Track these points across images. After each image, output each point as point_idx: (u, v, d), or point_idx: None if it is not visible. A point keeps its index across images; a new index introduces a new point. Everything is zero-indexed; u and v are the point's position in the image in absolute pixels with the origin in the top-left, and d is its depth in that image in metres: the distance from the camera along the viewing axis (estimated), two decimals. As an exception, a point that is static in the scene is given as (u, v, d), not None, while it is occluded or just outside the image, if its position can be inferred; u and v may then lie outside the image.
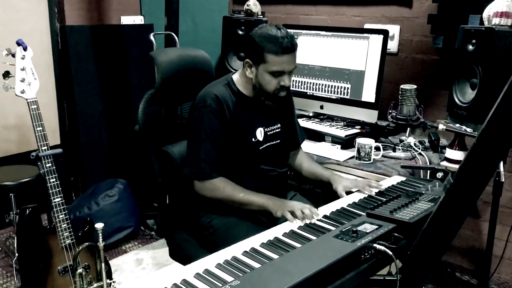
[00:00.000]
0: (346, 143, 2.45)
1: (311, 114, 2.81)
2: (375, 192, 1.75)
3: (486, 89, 2.04)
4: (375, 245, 1.30)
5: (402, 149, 2.39)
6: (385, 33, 2.49)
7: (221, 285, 1.14)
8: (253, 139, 1.84)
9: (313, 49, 2.78)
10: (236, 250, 1.33)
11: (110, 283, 1.81)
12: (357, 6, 3.03)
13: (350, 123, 2.64)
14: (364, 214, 1.52)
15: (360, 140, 2.28)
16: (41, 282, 2.06)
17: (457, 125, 2.16)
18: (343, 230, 1.38)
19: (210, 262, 1.26)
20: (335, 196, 1.81)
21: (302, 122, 2.66)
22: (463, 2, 2.49)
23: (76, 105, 3.29)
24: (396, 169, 2.16)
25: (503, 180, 1.92)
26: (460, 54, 2.17)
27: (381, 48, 2.49)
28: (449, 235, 1.22)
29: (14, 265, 2.62)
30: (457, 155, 2.20)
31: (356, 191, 1.80)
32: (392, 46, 2.86)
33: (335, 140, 2.50)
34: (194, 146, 1.78)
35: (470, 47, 2.11)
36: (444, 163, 2.23)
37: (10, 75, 2.01)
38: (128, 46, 3.44)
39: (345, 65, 2.64)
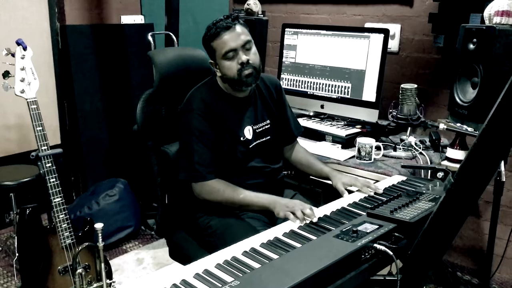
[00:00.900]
0: (347, 142, 2.45)
1: (311, 114, 2.81)
2: (374, 192, 1.75)
3: (487, 88, 2.03)
4: (375, 245, 1.29)
5: (403, 148, 2.39)
6: (385, 32, 2.48)
7: (220, 285, 1.13)
8: (241, 138, 1.84)
9: (313, 48, 2.77)
10: (236, 250, 1.33)
11: (110, 283, 1.81)
12: (357, 5, 3.02)
13: (350, 122, 2.63)
14: (364, 213, 1.51)
15: (360, 140, 2.28)
16: (42, 282, 2.06)
17: (458, 124, 2.15)
18: (344, 230, 1.38)
19: (209, 262, 1.26)
20: (336, 195, 1.81)
21: (303, 122, 2.66)
22: (464, 1, 2.49)
23: (76, 105, 3.29)
24: (396, 169, 2.15)
25: (504, 180, 1.91)
26: (461, 53, 2.16)
27: (382, 47, 2.48)
28: (450, 235, 1.21)
29: (14, 265, 2.63)
30: (458, 154, 2.19)
31: (356, 190, 1.80)
32: (393, 45, 2.85)
33: (335, 139, 2.49)
34: (187, 150, 1.78)
35: (471, 46, 2.10)
36: (445, 163, 2.23)
37: (10, 75, 2.01)
38: (128, 46, 3.44)
39: (346, 64, 2.64)
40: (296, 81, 2.86)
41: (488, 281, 2.14)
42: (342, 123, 2.65)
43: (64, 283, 2.11)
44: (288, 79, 2.90)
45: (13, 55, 2.00)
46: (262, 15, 3.18)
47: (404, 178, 1.91)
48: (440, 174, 1.80)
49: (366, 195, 1.74)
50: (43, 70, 3.13)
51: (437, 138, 2.38)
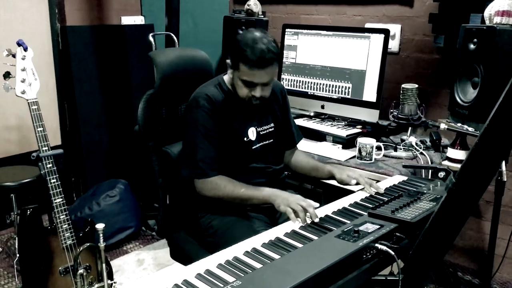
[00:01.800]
0: (347, 142, 2.45)
1: (312, 114, 2.81)
2: (376, 192, 1.75)
3: (488, 88, 2.03)
4: (377, 245, 1.29)
5: (404, 148, 2.39)
6: (386, 32, 2.48)
7: (222, 285, 1.13)
8: (245, 139, 1.84)
9: (314, 48, 2.78)
10: (237, 250, 1.32)
11: (111, 283, 1.81)
12: (358, 5, 3.02)
13: (351, 122, 2.63)
14: (365, 213, 1.51)
15: (361, 140, 2.28)
16: (42, 282, 2.06)
17: (459, 124, 2.15)
18: (345, 230, 1.37)
19: (211, 262, 1.26)
20: (337, 195, 1.81)
21: (303, 122, 2.66)
22: (464, 1, 2.49)
23: (77, 106, 3.29)
24: (397, 169, 2.15)
25: (505, 180, 1.91)
26: (462, 53, 2.16)
27: (382, 48, 2.48)
28: (451, 235, 1.21)
29: (15, 266, 2.62)
30: (459, 154, 2.19)
31: (357, 190, 1.80)
32: (393, 45, 2.85)
33: (336, 140, 2.49)
34: (191, 147, 1.78)
35: (472, 46, 2.11)
36: (446, 163, 2.23)
37: (10, 76, 2.01)
38: (128, 47, 3.44)
39: (346, 65, 2.64)
40: (297, 82, 2.86)
41: (489, 281, 2.14)
42: (343, 123, 2.65)
43: (65, 284, 2.10)
44: (289, 79, 2.90)
45: (13, 56, 2.00)
46: (262, 16, 3.18)
47: (405, 178, 1.91)
48: (441, 174, 1.80)
49: (367, 195, 1.74)
50: (44, 71, 3.13)
51: (437, 138, 2.38)
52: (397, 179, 1.91)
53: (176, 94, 2.02)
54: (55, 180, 2.03)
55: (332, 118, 2.74)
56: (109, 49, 3.37)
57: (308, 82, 2.81)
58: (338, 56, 2.67)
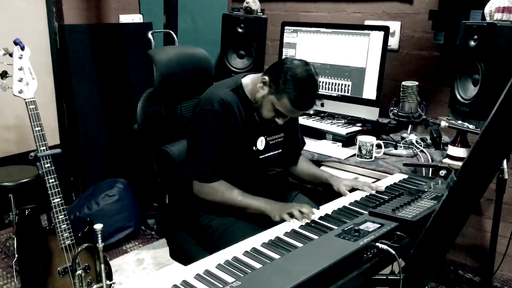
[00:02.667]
0: (347, 141, 2.44)
1: (311, 112, 2.80)
2: (376, 191, 1.74)
3: (488, 85, 2.02)
4: (377, 244, 1.28)
5: (404, 146, 2.38)
6: (385, 29, 2.47)
7: (221, 286, 1.12)
8: (253, 148, 1.83)
9: (313, 46, 2.76)
10: (237, 250, 1.32)
11: (110, 284, 1.80)
12: (357, 2, 3.01)
13: (351, 120, 2.62)
14: (366, 212, 1.51)
15: (361, 138, 2.27)
16: (41, 283, 2.05)
17: (459, 121, 2.14)
18: (345, 229, 1.37)
19: (210, 262, 1.25)
20: (337, 195, 1.80)
21: (303, 120, 2.65)
22: (464, -2, 2.48)
23: (75, 105, 3.28)
24: (398, 167, 2.14)
25: (507, 177, 1.90)
26: (462, 50, 2.15)
27: (382, 45, 2.47)
28: (452, 233, 1.20)
29: (14, 266, 2.62)
30: (459, 152, 2.18)
31: (357, 189, 1.79)
32: (393, 42, 2.84)
33: (336, 138, 2.48)
34: (196, 148, 1.76)
35: (472, 43, 2.09)
36: (446, 160, 2.22)
37: (7, 75, 2.00)
38: (127, 45, 3.43)
39: (346, 62, 2.63)
40: (296, 80, 2.84)
41: (490, 279, 2.13)
42: (343, 121, 2.64)
43: (64, 284, 2.09)
44: (288, 77, 2.88)
45: (11, 55, 1.99)
46: (261, 13, 3.16)
47: (406, 176, 1.90)
48: (442, 172, 1.79)
49: (368, 194, 1.73)
50: (41, 70, 3.12)
51: (438, 136, 2.37)
52: (397, 177, 1.90)
53: (176, 93, 2.01)
54: (53, 180, 2.02)
55: (332, 116, 2.73)
56: (108, 48, 3.36)
57: (308, 80, 2.80)
58: (338, 54, 2.66)
